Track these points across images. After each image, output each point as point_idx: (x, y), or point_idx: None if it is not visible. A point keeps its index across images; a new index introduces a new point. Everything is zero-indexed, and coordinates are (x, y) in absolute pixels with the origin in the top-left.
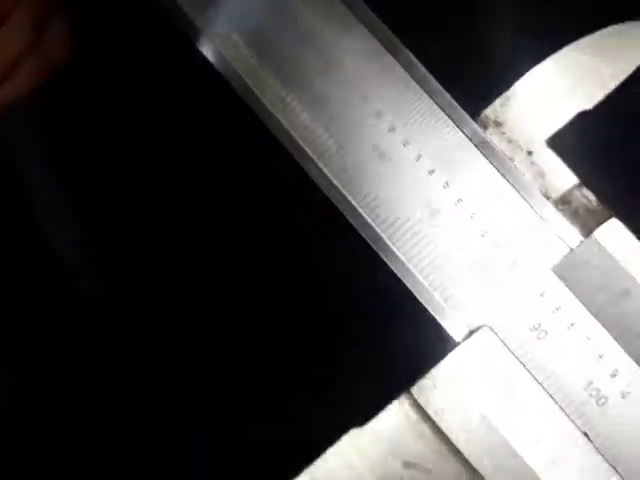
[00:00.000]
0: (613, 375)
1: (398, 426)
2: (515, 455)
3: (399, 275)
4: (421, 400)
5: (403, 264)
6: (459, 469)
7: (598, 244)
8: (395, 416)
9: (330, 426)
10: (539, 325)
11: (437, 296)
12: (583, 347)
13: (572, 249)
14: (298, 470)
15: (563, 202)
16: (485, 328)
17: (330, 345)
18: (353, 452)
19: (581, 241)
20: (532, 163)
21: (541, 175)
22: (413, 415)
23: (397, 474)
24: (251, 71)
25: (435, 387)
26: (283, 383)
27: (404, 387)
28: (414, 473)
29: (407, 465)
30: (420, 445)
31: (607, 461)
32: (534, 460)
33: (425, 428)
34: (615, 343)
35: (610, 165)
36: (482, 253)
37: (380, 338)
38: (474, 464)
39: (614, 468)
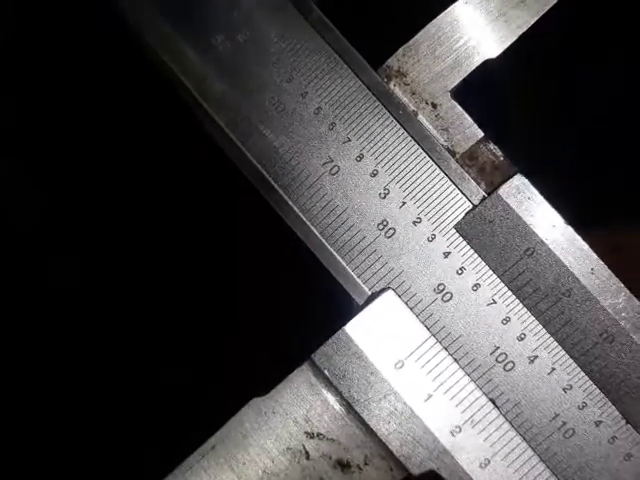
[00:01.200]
0: (520, 339)
1: (300, 393)
2: (419, 423)
3: (300, 235)
4: (322, 366)
5: (304, 222)
6: (363, 438)
7: (503, 201)
8: (297, 383)
9: (232, 397)
10: (444, 287)
11: (340, 258)
12: (488, 310)
13: (475, 206)
14: (202, 440)
15: (469, 158)
16: (389, 291)
17: (236, 314)
18: (254, 422)
19: (484, 196)
20: (437, 117)
21: (446, 129)
22: (314, 381)
23: (300, 443)
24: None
25: (336, 352)
26: (189, 352)
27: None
28: (318, 443)
29: (310, 435)
30: (323, 412)
31: (515, 429)
32: (439, 428)
33: (327, 395)
34: (521, 305)
35: (517, 116)
36: (384, 213)
37: (287, 307)
38: (377, 431)
39: (522, 436)
